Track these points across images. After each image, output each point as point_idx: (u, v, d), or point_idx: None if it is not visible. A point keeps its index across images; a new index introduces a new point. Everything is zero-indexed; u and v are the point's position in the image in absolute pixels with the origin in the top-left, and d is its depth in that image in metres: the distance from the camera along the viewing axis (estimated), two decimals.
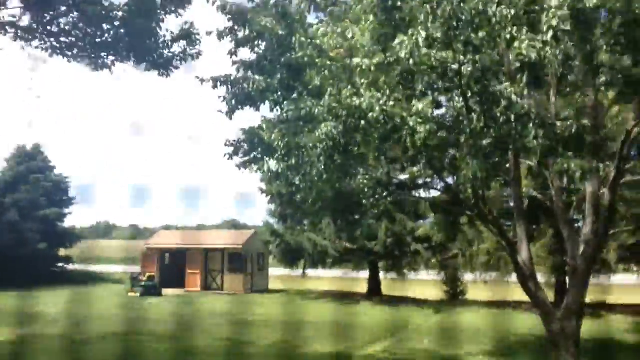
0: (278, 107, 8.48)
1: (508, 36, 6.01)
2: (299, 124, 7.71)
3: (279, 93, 8.12)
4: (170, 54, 11.77)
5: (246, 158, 9.75)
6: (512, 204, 10.13)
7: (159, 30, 11.42)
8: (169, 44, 11.69)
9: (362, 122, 6.44)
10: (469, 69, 6.18)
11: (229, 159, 9.78)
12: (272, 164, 7.71)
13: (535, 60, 5.93)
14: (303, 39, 7.38)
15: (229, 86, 8.78)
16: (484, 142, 6.72)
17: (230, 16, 8.32)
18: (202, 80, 9.21)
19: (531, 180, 14.32)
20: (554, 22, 5.91)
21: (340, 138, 6.87)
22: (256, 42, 8.49)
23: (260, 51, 8.47)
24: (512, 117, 6.29)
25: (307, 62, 7.32)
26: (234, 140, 9.59)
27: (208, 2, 8.20)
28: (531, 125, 6.29)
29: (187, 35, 11.73)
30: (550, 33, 5.92)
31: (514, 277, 9.51)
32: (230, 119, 8.98)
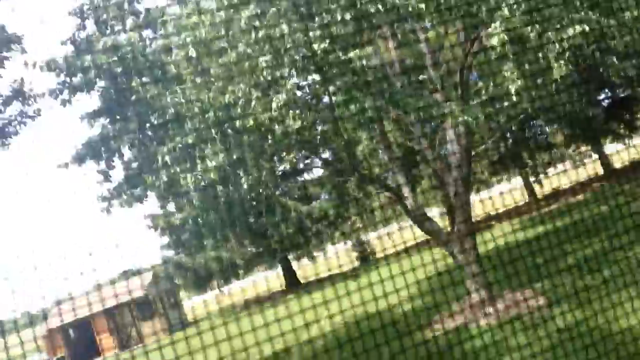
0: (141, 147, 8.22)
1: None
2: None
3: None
4: (5, 120, 10.80)
5: (125, 197, 9.33)
6: (386, 157, 10.75)
7: None
8: (1, 109, 10.71)
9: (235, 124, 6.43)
10: (323, 45, 6.39)
11: (107, 213, 9.31)
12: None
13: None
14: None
15: (89, 154, 8.33)
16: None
17: (58, 71, 7.84)
18: (66, 165, 8.63)
19: (397, 129, 15.23)
20: None
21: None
22: (93, 84, 8.10)
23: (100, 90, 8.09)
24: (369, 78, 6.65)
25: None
26: (107, 193, 9.13)
27: (28, 67, 7.65)
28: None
29: (19, 93, 10.82)
30: None
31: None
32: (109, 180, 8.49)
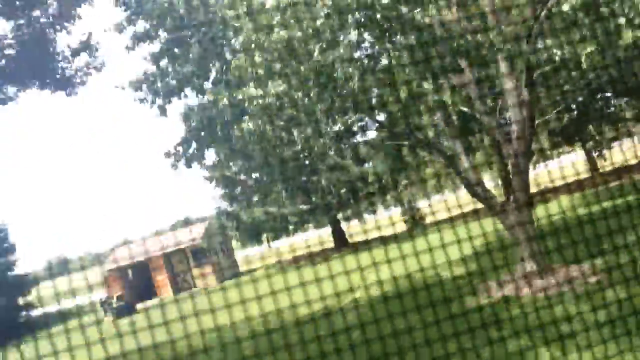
0: (199, 94, 8.48)
1: None
2: (227, 105, 7.74)
3: (199, 80, 8.09)
4: (72, 71, 11.38)
5: (187, 155, 9.72)
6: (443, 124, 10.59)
7: (55, 48, 10.99)
8: (70, 59, 11.28)
9: (301, 68, 6.49)
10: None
11: (174, 168, 9.73)
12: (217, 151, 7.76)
13: None
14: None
15: (148, 85, 8.65)
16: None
17: (126, 7, 8.12)
18: (122, 87, 9.01)
19: (455, 96, 14.84)
20: None
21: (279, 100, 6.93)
22: (157, 31, 8.37)
23: (163, 39, 8.35)
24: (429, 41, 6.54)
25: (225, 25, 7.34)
26: (174, 148, 9.52)
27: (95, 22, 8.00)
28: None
29: (86, 46, 11.35)
30: None
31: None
32: (165, 115, 8.87)
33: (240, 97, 6.90)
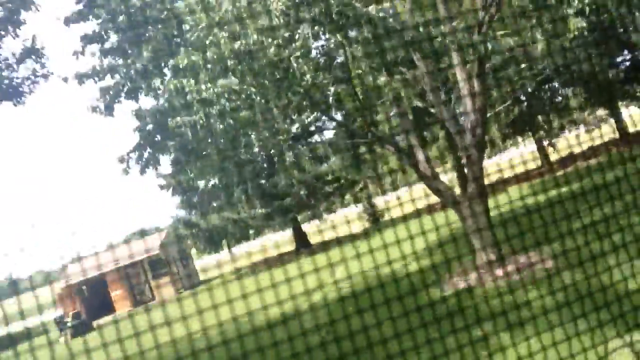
0: (152, 93, 8.18)
1: None
2: (176, 104, 7.52)
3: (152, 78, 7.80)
4: (18, 79, 10.86)
5: (141, 162, 9.37)
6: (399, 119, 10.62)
7: None
8: (15, 67, 10.75)
9: (255, 65, 6.33)
10: None
11: (125, 174, 9.37)
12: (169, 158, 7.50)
13: None
14: None
15: (95, 79, 8.31)
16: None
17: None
18: (65, 79, 8.60)
19: (409, 91, 15.00)
20: None
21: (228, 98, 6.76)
22: (107, 28, 8.05)
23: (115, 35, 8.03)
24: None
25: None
26: (126, 153, 9.16)
27: (41, 25, 7.60)
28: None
29: (31, 52, 10.85)
30: None
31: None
32: (112, 115, 8.53)
33: (190, 93, 6.68)
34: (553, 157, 27.74)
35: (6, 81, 10.86)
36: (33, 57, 11.18)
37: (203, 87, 6.49)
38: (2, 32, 10.54)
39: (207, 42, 6.40)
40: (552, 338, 4.45)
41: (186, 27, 7.08)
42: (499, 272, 8.52)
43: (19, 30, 11.19)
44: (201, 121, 7.00)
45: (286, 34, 6.69)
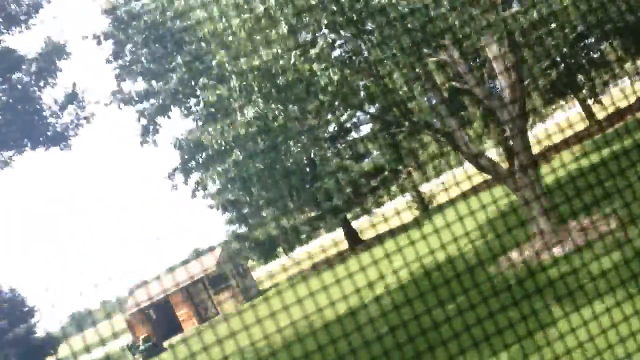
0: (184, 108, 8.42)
1: None
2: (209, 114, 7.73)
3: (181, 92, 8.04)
4: (62, 125, 11.40)
5: (189, 184, 9.64)
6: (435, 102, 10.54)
7: (42, 105, 11.02)
8: (58, 114, 11.31)
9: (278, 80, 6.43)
10: None
11: (174, 189, 9.67)
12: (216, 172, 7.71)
13: None
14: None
15: (131, 102, 8.62)
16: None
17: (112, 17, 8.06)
18: (107, 104, 9.00)
19: (442, 73, 14.83)
20: None
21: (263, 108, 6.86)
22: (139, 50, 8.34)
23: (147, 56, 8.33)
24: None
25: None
26: (172, 170, 9.46)
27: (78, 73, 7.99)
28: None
29: (73, 97, 11.38)
30: None
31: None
32: (148, 137, 8.82)
33: (221, 127, 6.87)
34: (600, 115, 26.72)
35: (51, 128, 11.42)
36: (74, 103, 11.75)
37: (234, 118, 6.66)
38: (42, 83, 11.14)
39: (227, 72, 6.54)
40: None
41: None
42: (561, 239, 8.32)
43: (57, 79, 11.76)
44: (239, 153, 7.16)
45: (307, 37, 6.78)
